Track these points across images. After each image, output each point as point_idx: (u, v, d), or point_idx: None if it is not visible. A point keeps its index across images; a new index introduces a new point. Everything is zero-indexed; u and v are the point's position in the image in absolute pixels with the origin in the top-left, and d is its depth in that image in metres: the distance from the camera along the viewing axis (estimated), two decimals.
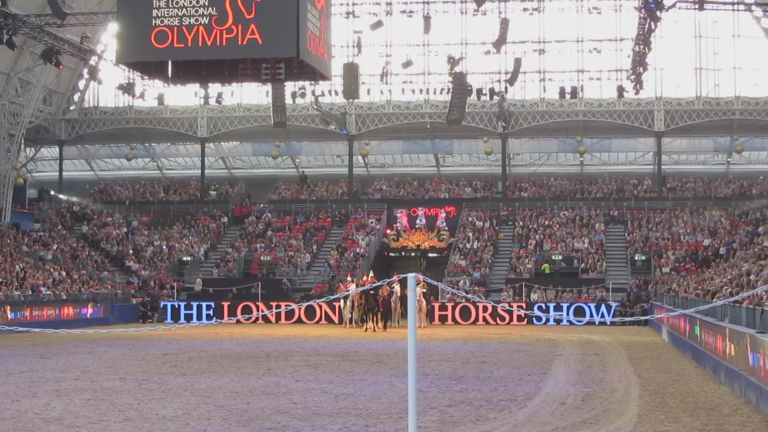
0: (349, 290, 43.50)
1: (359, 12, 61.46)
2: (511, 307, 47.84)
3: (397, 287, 45.21)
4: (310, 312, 50.76)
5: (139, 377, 23.93)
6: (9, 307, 44.03)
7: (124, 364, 27.48)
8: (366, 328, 44.25)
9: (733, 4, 55.93)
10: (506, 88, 61.25)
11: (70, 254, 58.65)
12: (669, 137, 66.26)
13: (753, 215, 59.67)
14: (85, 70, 62.21)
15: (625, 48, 61.25)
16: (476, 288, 54.15)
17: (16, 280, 48.35)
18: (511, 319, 50.25)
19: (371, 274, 48.49)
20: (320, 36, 23.39)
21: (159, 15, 22.19)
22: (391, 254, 62.19)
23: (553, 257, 57.71)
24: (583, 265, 56.77)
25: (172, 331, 42.02)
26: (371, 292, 42.79)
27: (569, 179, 68.73)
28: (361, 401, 19.38)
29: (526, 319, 50.02)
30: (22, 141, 62.88)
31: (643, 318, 40.36)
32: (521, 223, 62.63)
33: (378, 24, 56.03)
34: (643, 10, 50.17)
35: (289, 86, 57.40)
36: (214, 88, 58.22)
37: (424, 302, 46.89)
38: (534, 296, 52.71)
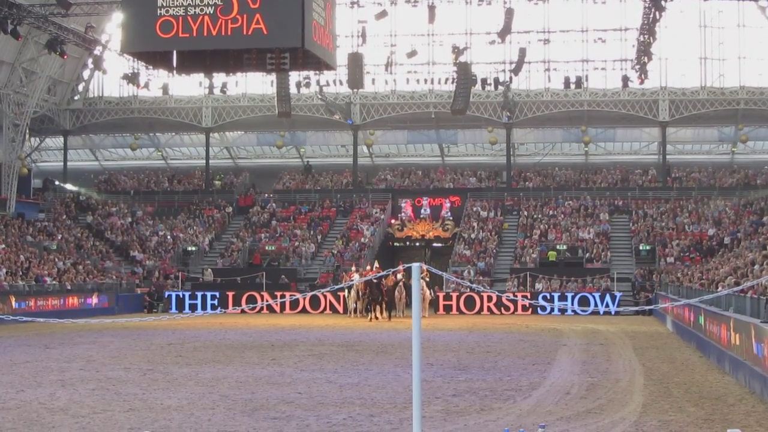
0: (353, 280, 43.53)
1: (364, 2, 61.28)
2: (516, 296, 47.85)
3: (400, 277, 45.27)
4: (314, 302, 50.86)
5: (144, 367, 23.98)
6: (14, 297, 44.12)
7: (129, 354, 27.53)
8: (370, 318, 44.32)
9: None
10: (511, 78, 61.19)
11: (74, 244, 58.67)
12: (674, 127, 66.17)
13: (757, 205, 59.59)
14: (90, 60, 62.23)
15: (629, 38, 61.20)
16: (481, 278, 54.14)
17: (20, 270, 48.41)
18: (515, 309, 50.29)
19: (376, 264, 48.49)
20: (325, 26, 23.35)
21: (164, 5, 22.14)
22: (395, 244, 62.17)
23: (558, 247, 57.69)
24: (587, 254, 56.75)
25: (177, 321, 42.10)
26: (375, 281, 42.84)
27: (574, 169, 68.69)
28: (365, 391, 19.41)
29: (530, 309, 50.08)
30: (27, 131, 62.86)
31: (647, 308, 40.45)
32: (526, 213, 62.58)
33: (383, 14, 55.91)
34: (647, 0, 50.05)
35: (294, 76, 57.41)
36: (219, 77, 58.33)
37: (428, 292, 46.91)
38: (538, 286, 52.71)
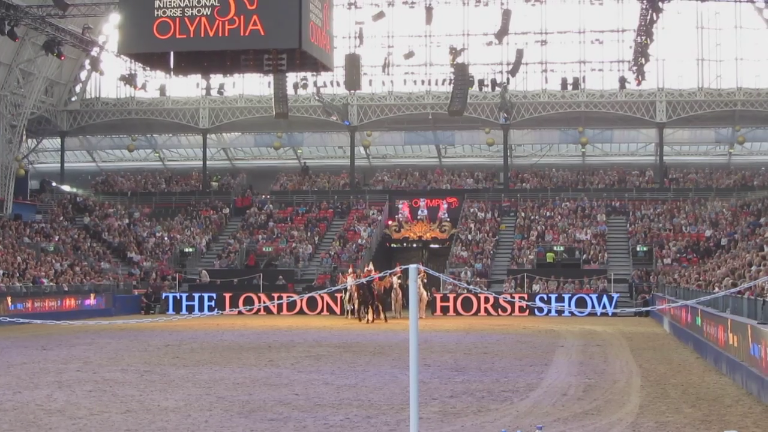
0: (347, 282, 43.51)
1: (361, 3, 61.26)
2: (513, 298, 47.83)
3: (394, 279, 45.23)
4: (311, 303, 50.81)
5: (141, 368, 23.96)
6: (10, 299, 44.04)
7: (126, 356, 27.50)
8: (367, 320, 44.30)
9: None
10: (508, 79, 61.21)
11: (71, 245, 58.65)
12: (671, 128, 66.20)
13: (755, 206, 59.63)
14: (87, 61, 62.19)
15: (626, 39, 61.19)
16: (478, 279, 54.13)
17: (17, 271, 48.37)
18: (512, 311, 50.28)
19: (371, 265, 48.45)
20: (322, 27, 23.37)
21: (161, 6, 22.16)
22: (392, 245, 62.16)
23: (555, 248, 57.70)
24: (584, 256, 56.75)
25: (174, 323, 42.05)
26: (366, 283, 42.73)
27: (571, 170, 68.68)
28: (362, 392, 19.40)
29: (527, 310, 50.02)
30: (24, 132, 62.83)
31: (644, 309, 40.52)
32: (523, 214, 62.60)
33: (380, 15, 55.83)
34: (645, 1, 50.06)
35: (291, 77, 57.29)
36: (216, 79, 58.17)
37: (425, 293, 46.89)
38: (536, 287, 52.70)
